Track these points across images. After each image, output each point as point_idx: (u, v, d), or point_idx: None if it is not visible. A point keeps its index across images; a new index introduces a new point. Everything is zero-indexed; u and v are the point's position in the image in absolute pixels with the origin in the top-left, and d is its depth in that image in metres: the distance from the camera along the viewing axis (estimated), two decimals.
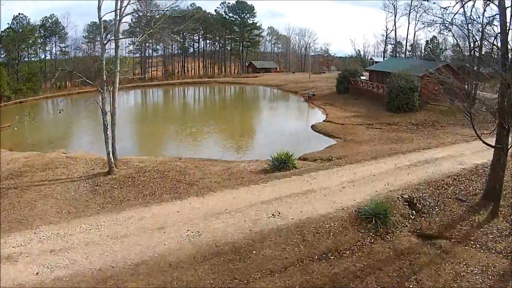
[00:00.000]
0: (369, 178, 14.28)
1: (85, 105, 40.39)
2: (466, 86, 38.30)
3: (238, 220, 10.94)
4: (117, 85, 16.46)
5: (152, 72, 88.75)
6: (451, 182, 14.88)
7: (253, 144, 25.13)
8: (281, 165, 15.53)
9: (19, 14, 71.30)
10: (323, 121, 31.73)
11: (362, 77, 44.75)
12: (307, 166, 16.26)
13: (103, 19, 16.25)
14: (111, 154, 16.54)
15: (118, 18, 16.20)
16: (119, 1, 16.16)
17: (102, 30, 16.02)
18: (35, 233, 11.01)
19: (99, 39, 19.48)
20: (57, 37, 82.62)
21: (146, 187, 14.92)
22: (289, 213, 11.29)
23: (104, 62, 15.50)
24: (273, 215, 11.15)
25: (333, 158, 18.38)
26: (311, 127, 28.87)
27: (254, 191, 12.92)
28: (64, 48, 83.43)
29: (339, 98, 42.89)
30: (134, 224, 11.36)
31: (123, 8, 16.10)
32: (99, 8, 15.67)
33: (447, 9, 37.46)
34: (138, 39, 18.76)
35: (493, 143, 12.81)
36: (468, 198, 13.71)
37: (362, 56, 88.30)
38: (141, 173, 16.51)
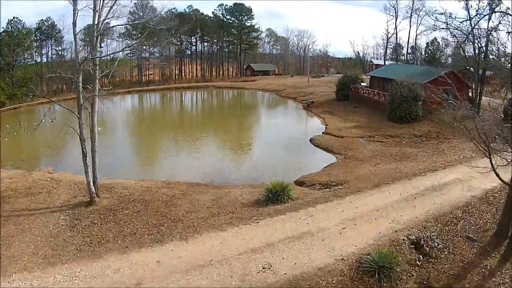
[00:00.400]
0: (372, 214, 13.00)
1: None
2: (470, 93, 36.92)
3: (224, 275, 9.67)
4: (96, 109, 15.14)
5: (150, 76, 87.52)
6: (460, 215, 13.66)
7: (249, 161, 23.78)
8: (276, 197, 14.24)
9: (13, 18, 70.39)
10: (322, 133, 30.42)
11: (362, 84, 43.39)
12: (304, 197, 14.96)
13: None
14: (91, 184, 15.29)
15: (95, 34, 14.85)
16: (96, 15, 14.82)
17: (77, 48, 14.56)
18: (8, 282, 10.03)
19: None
20: (53, 40, 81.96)
21: (128, 224, 13.65)
22: (282, 265, 10.02)
23: (80, 84, 14.17)
24: (263, 268, 9.87)
25: (333, 183, 17.10)
26: (310, 140, 27.55)
27: (244, 234, 11.63)
28: (60, 52, 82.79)
29: (339, 105, 41.56)
30: (110, 276, 10.15)
31: (100, 24, 14.72)
32: (74, 23, 14.36)
33: (452, 15, 35.33)
34: (121, 49, 17.07)
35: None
36: (479, 236, 12.51)
37: (361, 58, 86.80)
38: (124, 204, 15.29)
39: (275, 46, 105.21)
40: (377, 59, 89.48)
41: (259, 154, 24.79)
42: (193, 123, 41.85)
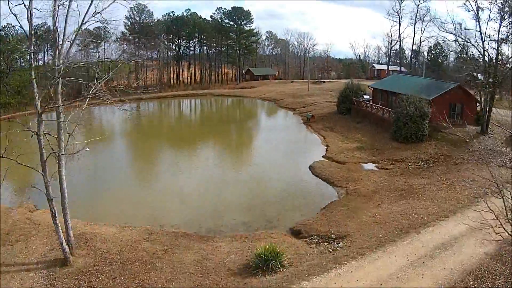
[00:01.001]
0: None
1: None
2: (479, 108, 35.00)
3: None
4: (64, 164, 13.43)
5: (147, 81, 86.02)
6: (472, 284, 12.06)
7: (241, 197, 21.32)
8: (266, 265, 12.62)
9: (7, 24, 69.25)
10: (323, 156, 28.69)
11: (365, 96, 41.52)
12: (298, 262, 13.30)
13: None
14: (64, 244, 13.81)
15: (57, 75, 13.01)
16: (56, 58, 13.06)
17: (37, 95, 12.60)
18: None
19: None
20: (49, 46, 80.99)
21: None
22: None
23: (42, 138, 12.46)
24: None
25: (332, 236, 15.46)
26: (309, 168, 25.82)
27: None
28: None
29: (340, 120, 39.78)
30: None
31: (60, 67, 12.85)
32: (30, 66, 12.72)
33: (461, 25, 33.32)
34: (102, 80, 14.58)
35: None
36: None
37: (363, 62, 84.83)
38: (100, 266, 13.78)
39: (275, 49, 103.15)
40: (379, 62, 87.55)
41: (254, 188, 22.73)
42: (186, 141, 39.75)
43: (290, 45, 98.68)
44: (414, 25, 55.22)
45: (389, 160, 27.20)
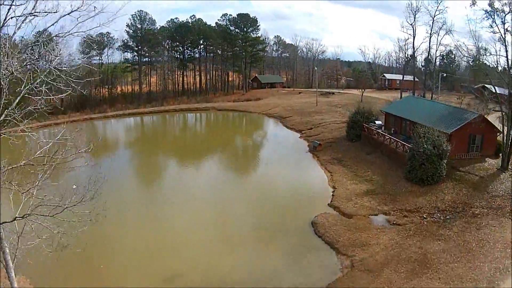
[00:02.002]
0: None
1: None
2: (499, 137, 31.79)
3: None
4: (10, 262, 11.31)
5: (151, 88, 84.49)
6: None
7: (225, 274, 18.33)
8: None
9: (6, 32, 68.94)
10: (328, 204, 26.24)
11: (377, 122, 38.62)
12: None
13: None
14: None
15: None
16: None
17: None
18: None
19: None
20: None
21: None
22: None
23: None
24: None
25: None
26: (312, 224, 23.36)
27: None
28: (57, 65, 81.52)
29: (349, 149, 37.08)
30: None
31: None
32: None
33: (486, 50, 30.10)
34: None
35: None
36: None
37: (373, 69, 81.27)
38: None
39: (283, 54, 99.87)
40: (389, 67, 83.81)
41: (243, 259, 19.79)
42: (179, 166, 37.56)
43: (299, 50, 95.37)
44: (430, 38, 51.61)
45: (402, 211, 24.68)
